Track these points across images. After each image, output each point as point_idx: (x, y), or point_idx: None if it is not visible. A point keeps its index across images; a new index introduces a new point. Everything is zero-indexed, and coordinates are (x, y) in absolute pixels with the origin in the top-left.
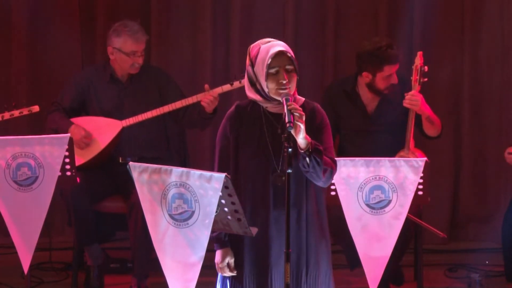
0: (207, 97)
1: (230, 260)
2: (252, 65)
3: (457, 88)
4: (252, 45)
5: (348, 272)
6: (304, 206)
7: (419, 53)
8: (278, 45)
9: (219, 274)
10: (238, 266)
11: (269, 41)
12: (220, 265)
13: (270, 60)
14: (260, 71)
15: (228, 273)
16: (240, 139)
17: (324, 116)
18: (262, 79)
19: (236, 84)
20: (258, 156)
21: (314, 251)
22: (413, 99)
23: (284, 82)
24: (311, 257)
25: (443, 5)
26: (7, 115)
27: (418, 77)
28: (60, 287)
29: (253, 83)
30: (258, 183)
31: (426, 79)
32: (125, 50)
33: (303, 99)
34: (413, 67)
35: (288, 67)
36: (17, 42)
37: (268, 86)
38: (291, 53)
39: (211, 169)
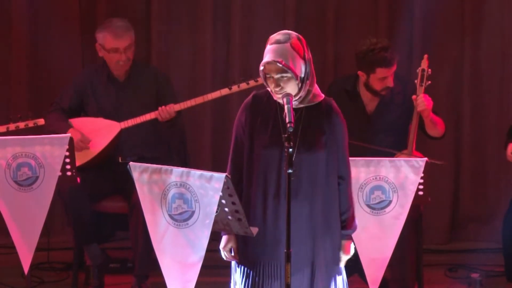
0: (163, 110)
1: (233, 245)
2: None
3: (457, 88)
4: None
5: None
6: (314, 201)
7: (425, 56)
8: (269, 52)
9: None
10: (245, 253)
11: (272, 40)
12: (222, 250)
13: (262, 67)
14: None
15: (229, 258)
16: (255, 128)
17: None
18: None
19: (235, 88)
20: (271, 146)
21: (321, 245)
22: (426, 101)
23: (277, 89)
24: (320, 250)
25: (443, 5)
26: (12, 126)
27: (422, 80)
28: (60, 287)
29: None
30: (270, 173)
31: (429, 82)
32: (106, 46)
33: (323, 95)
34: (418, 70)
35: (277, 76)
36: (17, 43)
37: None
38: (282, 62)
39: (211, 169)
